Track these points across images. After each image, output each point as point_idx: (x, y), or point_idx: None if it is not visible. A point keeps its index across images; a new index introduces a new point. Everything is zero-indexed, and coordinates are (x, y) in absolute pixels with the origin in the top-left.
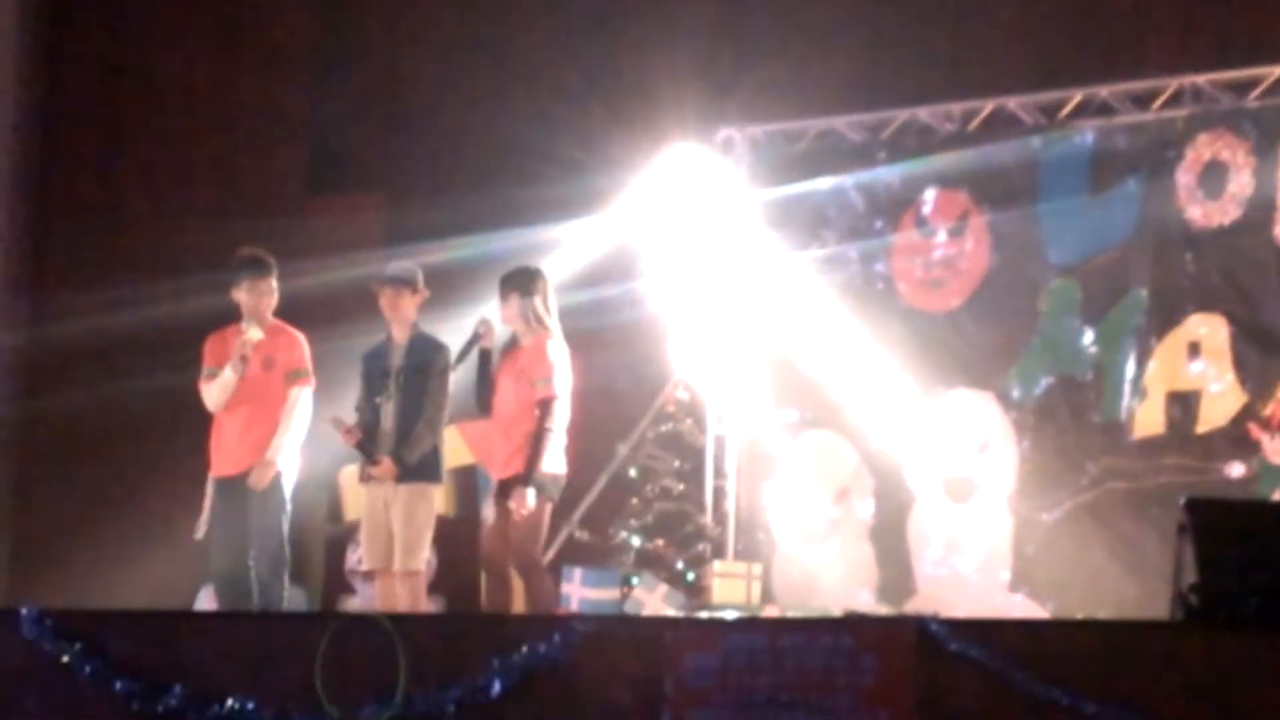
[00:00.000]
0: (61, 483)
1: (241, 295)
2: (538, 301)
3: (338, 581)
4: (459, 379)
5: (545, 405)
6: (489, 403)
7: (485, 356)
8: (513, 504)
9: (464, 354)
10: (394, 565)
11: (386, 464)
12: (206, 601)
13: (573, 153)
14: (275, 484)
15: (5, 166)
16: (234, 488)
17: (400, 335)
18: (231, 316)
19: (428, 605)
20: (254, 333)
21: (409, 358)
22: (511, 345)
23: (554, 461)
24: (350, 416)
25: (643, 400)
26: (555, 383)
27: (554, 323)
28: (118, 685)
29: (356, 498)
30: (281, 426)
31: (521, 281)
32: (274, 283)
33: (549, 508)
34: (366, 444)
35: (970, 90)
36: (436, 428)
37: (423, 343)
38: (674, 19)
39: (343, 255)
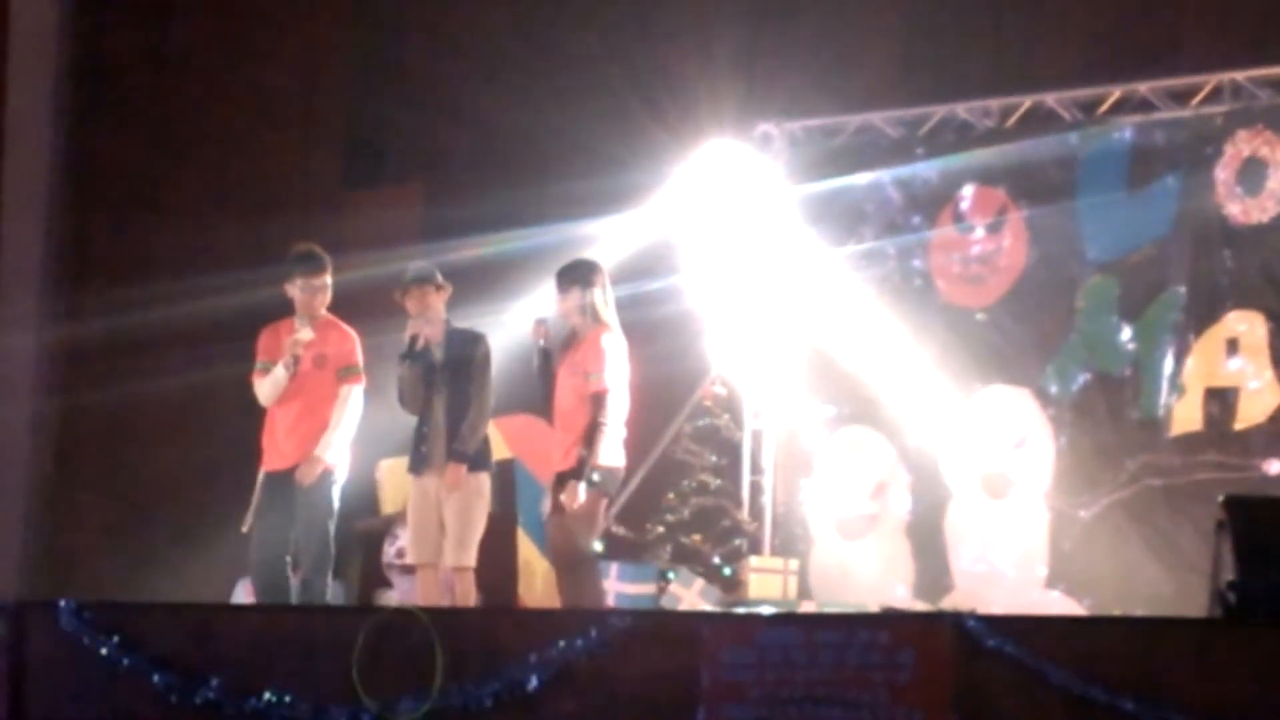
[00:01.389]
0: (99, 477)
1: (295, 291)
2: (596, 294)
3: (375, 575)
4: (499, 371)
5: (598, 399)
6: (550, 401)
7: (545, 356)
8: (564, 498)
9: (539, 360)
10: (444, 560)
11: (451, 470)
12: (244, 595)
13: (611, 148)
14: (323, 480)
15: (43, 163)
16: (282, 483)
17: (434, 333)
18: (270, 311)
19: (475, 601)
20: (305, 333)
21: (448, 353)
22: (570, 339)
23: (611, 454)
24: (397, 417)
25: (680, 395)
26: (607, 376)
27: (612, 315)
28: (156, 678)
29: (394, 491)
30: (332, 423)
31: (581, 274)
32: (328, 279)
33: (604, 502)
34: (419, 446)
35: (1009, 86)
36: (487, 416)
37: (459, 336)
38: (712, 15)
39: (380, 250)
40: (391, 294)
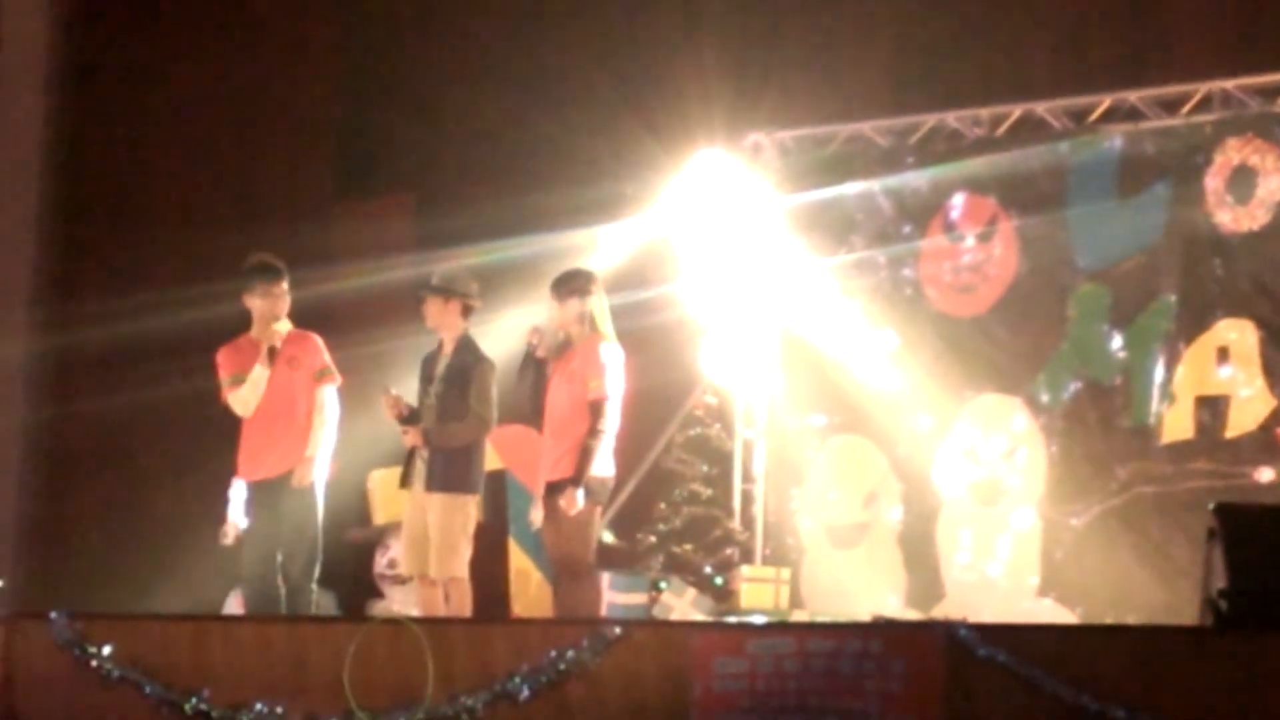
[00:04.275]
0: (91, 488)
1: (255, 301)
2: (593, 303)
3: (366, 585)
4: (500, 388)
5: (597, 407)
6: (541, 409)
7: (540, 366)
8: (562, 503)
9: (525, 368)
10: (430, 572)
11: (414, 432)
12: (235, 606)
13: (602, 157)
14: (311, 484)
15: (33, 173)
16: (267, 491)
17: (447, 343)
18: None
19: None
20: (283, 324)
21: (451, 365)
22: (565, 348)
23: (603, 464)
24: (388, 427)
25: (670, 405)
26: (607, 384)
27: (608, 325)
28: (147, 689)
29: (386, 502)
30: (315, 425)
31: (580, 284)
32: (286, 286)
33: (598, 510)
34: (409, 420)
35: (998, 95)
36: (474, 429)
37: (466, 351)
38: (702, 24)
39: (372, 259)
40: (384, 301)
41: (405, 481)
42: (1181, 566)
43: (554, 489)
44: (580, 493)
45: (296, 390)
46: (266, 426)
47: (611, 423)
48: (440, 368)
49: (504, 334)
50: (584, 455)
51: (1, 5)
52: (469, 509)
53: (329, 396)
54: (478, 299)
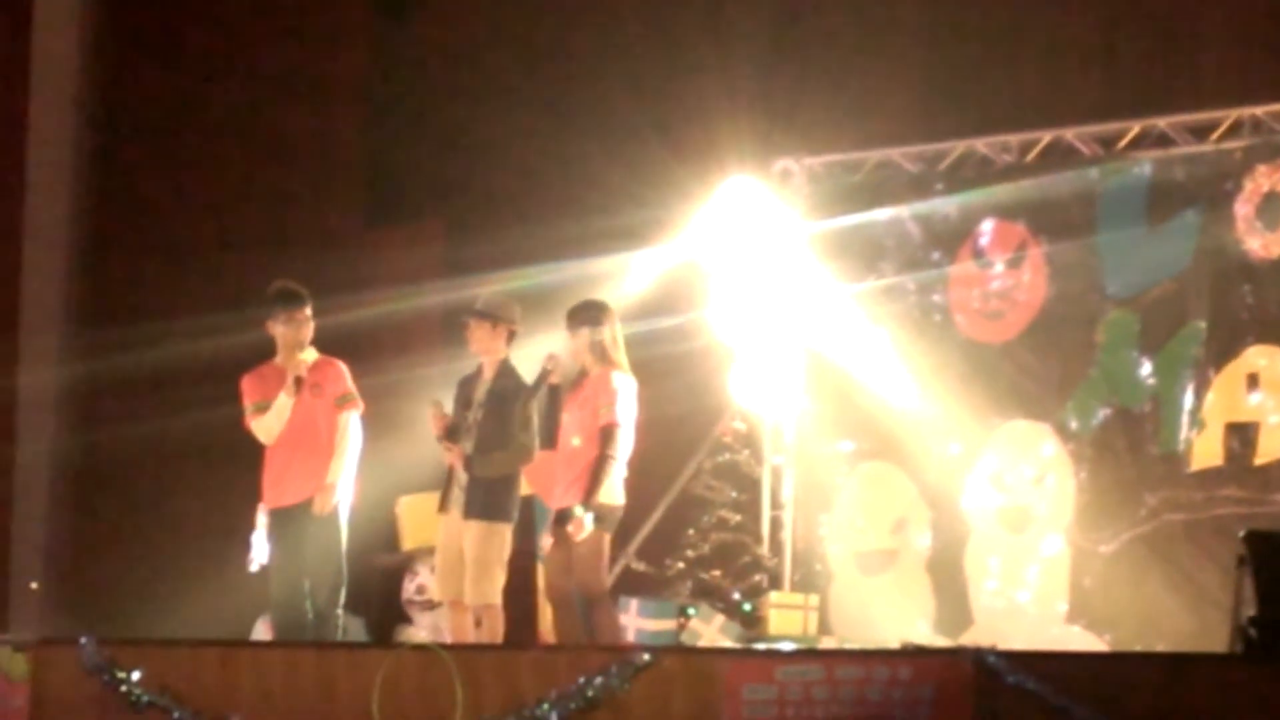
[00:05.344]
0: (120, 514)
1: (279, 328)
2: (606, 334)
3: (395, 611)
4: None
5: (607, 432)
6: (555, 437)
7: (554, 392)
8: (570, 529)
9: (535, 390)
10: (464, 598)
11: (456, 451)
12: (263, 632)
13: (631, 184)
14: (335, 510)
15: (65, 201)
16: (290, 518)
17: (487, 368)
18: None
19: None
20: (309, 353)
21: (492, 390)
22: (579, 378)
23: (613, 492)
24: (417, 454)
25: (700, 431)
26: (618, 410)
27: (621, 355)
28: (176, 715)
29: (415, 528)
30: (337, 452)
31: (591, 315)
32: (309, 312)
33: (608, 538)
34: (450, 435)
35: (1028, 121)
36: (518, 457)
37: (507, 377)
38: (731, 51)
39: (401, 287)
40: (413, 328)
41: (444, 506)
42: (1211, 594)
43: (563, 516)
44: (589, 517)
45: (319, 417)
46: (288, 454)
47: (622, 450)
48: (480, 393)
49: (532, 360)
50: (592, 480)
51: (33, 37)
52: (505, 536)
53: (351, 423)
54: (520, 324)
